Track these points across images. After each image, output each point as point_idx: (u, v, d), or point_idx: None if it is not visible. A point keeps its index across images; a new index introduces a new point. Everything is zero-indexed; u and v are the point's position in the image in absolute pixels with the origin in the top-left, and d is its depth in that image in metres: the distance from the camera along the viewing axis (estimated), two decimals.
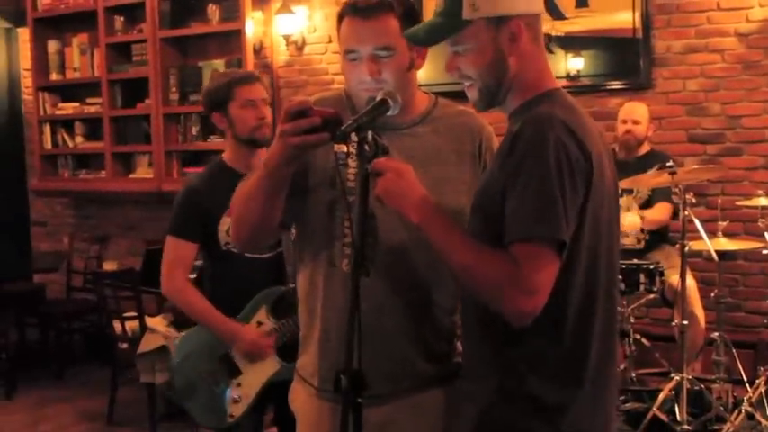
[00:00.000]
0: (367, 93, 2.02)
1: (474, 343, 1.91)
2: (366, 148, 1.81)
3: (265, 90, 3.27)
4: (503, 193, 1.72)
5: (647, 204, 4.99)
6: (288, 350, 2.97)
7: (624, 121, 5.10)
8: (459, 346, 2.13)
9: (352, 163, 2.07)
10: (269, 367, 3.13)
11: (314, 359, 2.15)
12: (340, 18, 2.09)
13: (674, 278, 4.59)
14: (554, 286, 1.69)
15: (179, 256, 3.22)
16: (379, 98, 1.93)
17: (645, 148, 5.11)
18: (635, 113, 5.10)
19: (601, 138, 1.86)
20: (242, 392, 3.11)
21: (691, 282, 4.60)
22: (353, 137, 1.82)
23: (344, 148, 2.04)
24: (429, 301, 2.09)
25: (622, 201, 5.00)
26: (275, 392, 3.06)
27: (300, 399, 2.22)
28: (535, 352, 1.77)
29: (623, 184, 4.81)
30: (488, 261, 1.71)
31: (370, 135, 1.82)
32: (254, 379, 3.13)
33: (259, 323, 3.17)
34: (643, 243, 4.88)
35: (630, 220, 4.80)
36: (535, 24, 1.86)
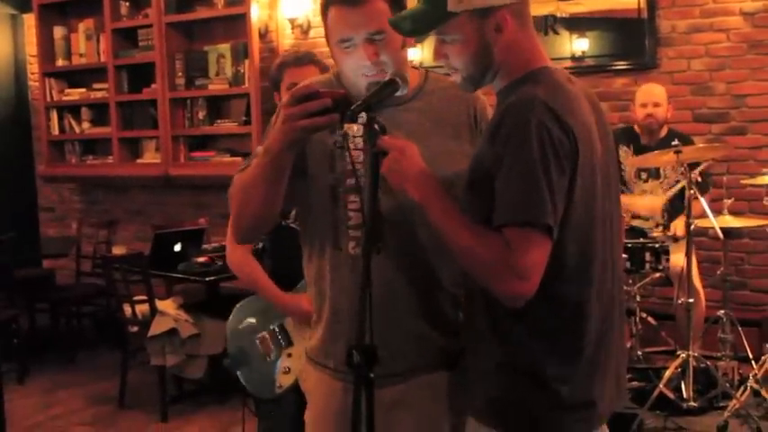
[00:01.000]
0: (366, 79, 2.01)
1: (477, 316, 1.93)
2: (362, 127, 1.81)
3: (320, 72, 3.19)
4: (491, 174, 1.75)
5: (677, 193, 4.93)
6: None
7: (644, 105, 4.99)
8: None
9: (351, 145, 2.05)
10: None
11: (325, 341, 2.16)
12: (324, 9, 2.04)
13: (676, 256, 4.61)
14: (549, 262, 1.72)
15: None
16: (387, 78, 1.94)
17: (664, 131, 5.05)
18: (655, 96, 4.99)
19: (596, 116, 1.87)
20: (292, 364, 3.13)
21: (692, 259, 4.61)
22: (358, 118, 1.83)
23: (352, 128, 2.02)
24: (436, 276, 2.09)
25: (647, 186, 5.01)
26: None
27: (312, 380, 2.24)
28: (534, 323, 1.80)
29: (637, 162, 4.84)
30: (483, 243, 1.73)
31: (365, 116, 1.83)
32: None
33: None
34: (662, 224, 4.90)
35: (647, 203, 4.80)
36: (522, 10, 1.86)
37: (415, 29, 1.89)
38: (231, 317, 3.29)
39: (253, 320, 3.23)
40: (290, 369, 3.12)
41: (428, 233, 1.99)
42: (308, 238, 2.19)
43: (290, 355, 3.15)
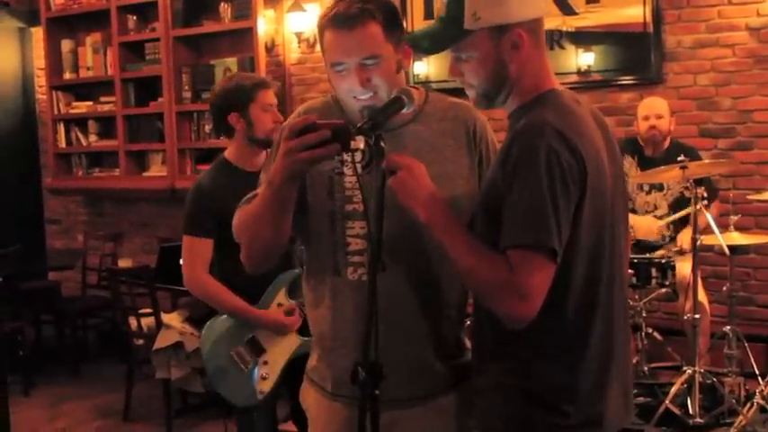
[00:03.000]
0: (359, 103, 2.02)
1: (483, 335, 1.94)
2: (362, 152, 1.82)
3: (275, 97, 3.49)
4: (501, 196, 1.76)
5: (678, 202, 4.93)
6: (307, 327, 3.09)
7: (647, 117, 4.98)
8: (467, 342, 2.16)
9: (348, 171, 2.07)
10: (292, 344, 3.38)
11: (324, 364, 2.17)
12: (321, 30, 2.05)
13: (682, 265, 4.60)
14: (555, 282, 1.73)
15: (197, 254, 3.42)
16: (393, 95, 1.94)
17: (667, 142, 5.03)
18: (657, 108, 5.00)
19: (603, 134, 1.88)
20: (269, 369, 3.34)
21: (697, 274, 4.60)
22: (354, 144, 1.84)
23: (352, 153, 2.02)
24: (439, 300, 2.10)
25: (649, 197, 5.01)
26: (299, 365, 3.19)
27: (311, 398, 2.24)
28: (539, 341, 1.81)
29: (642, 178, 4.84)
30: (487, 264, 1.75)
31: (363, 139, 1.84)
32: (278, 356, 3.37)
33: (279, 304, 3.39)
34: (668, 237, 4.91)
35: (644, 225, 4.82)
36: (537, 29, 1.87)
37: (433, 47, 1.92)
38: (203, 339, 3.42)
39: (224, 337, 3.38)
40: (267, 375, 3.34)
41: (431, 257, 1.99)
42: (307, 263, 2.20)
43: (265, 363, 3.35)
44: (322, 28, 2.05)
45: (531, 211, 1.70)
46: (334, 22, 2.00)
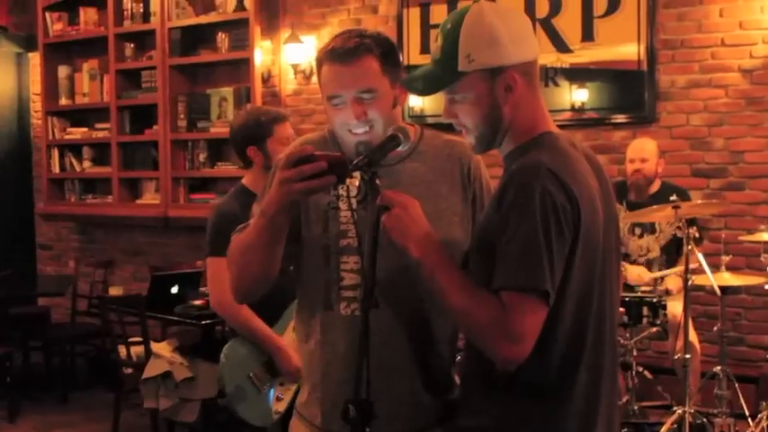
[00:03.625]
0: (355, 137, 2.03)
1: (470, 372, 1.94)
2: (357, 188, 1.83)
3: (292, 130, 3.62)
4: (495, 237, 1.77)
5: (672, 244, 4.94)
6: None
7: (632, 161, 5.01)
8: (456, 378, 2.16)
9: (343, 206, 2.07)
10: None
11: (314, 399, 2.16)
12: (319, 64, 2.07)
13: (673, 304, 4.61)
14: (544, 323, 1.73)
15: (222, 275, 3.42)
16: (390, 133, 1.95)
17: (656, 186, 5.05)
18: (643, 151, 5.02)
19: (597, 176, 1.89)
20: (284, 391, 3.45)
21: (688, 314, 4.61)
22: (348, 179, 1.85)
23: (348, 188, 2.03)
24: (432, 336, 2.09)
25: (642, 241, 5.02)
26: None
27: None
28: (525, 379, 1.80)
29: (635, 218, 4.84)
30: (480, 305, 1.75)
31: (359, 174, 1.84)
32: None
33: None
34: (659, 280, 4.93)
35: (634, 274, 4.83)
36: (531, 71, 1.88)
37: (427, 89, 1.92)
38: (223, 359, 3.53)
39: (244, 358, 3.49)
40: (282, 396, 3.45)
41: (423, 294, 1.99)
42: (300, 296, 2.20)
43: (281, 384, 3.46)
44: (320, 61, 2.07)
45: (525, 253, 1.71)
46: (332, 55, 2.03)
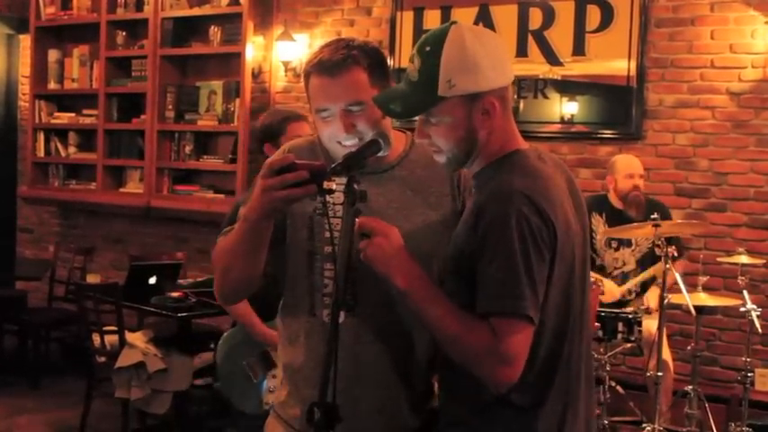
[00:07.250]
0: (344, 149, 2.00)
1: (452, 388, 1.95)
2: (343, 195, 1.83)
3: (310, 128, 3.67)
4: (474, 261, 1.78)
5: (648, 258, 4.95)
6: None
7: (631, 176, 4.95)
8: (435, 386, 2.15)
9: (330, 213, 2.03)
10: None
11: (295, 401, 2.15)
12: (307, 76, 2.05)
13: (648, 323, 4.63)
14: None
15: None
16: (370, 138, 1.95)
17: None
18: (639, 167, 4.99)
19: (568, 188, 1.91)
20: (277, 384, 3.44)
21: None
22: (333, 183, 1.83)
23: (333, 196, 2.00)
24: (412, 342, 2.08)
25: (617, 254, 5.03)
26: None
27: None
28: (506, 395, 1.81)
29: (615, 233, 4.84)
30: (469, 331, 1.76)
31: (346, 181, 1.83)
32: None
33: None
34: (634, 295, 4.94)
35: (605, 289, 4.83)
36: (506, 95, 1.89)
37: (405, 112, 1.90)
38: (220, 346, 3.76)
39: (240, 346, 3.67)
40: (274, 389, 3.41)
41: (403, 305, 1.98)
42: (283, 301, 2.19)
43: (274, 377, 3.51)
44: (307, 74, 2.05)
45: (507, 279, 1.73)
46: (319, 68, 2.01)
